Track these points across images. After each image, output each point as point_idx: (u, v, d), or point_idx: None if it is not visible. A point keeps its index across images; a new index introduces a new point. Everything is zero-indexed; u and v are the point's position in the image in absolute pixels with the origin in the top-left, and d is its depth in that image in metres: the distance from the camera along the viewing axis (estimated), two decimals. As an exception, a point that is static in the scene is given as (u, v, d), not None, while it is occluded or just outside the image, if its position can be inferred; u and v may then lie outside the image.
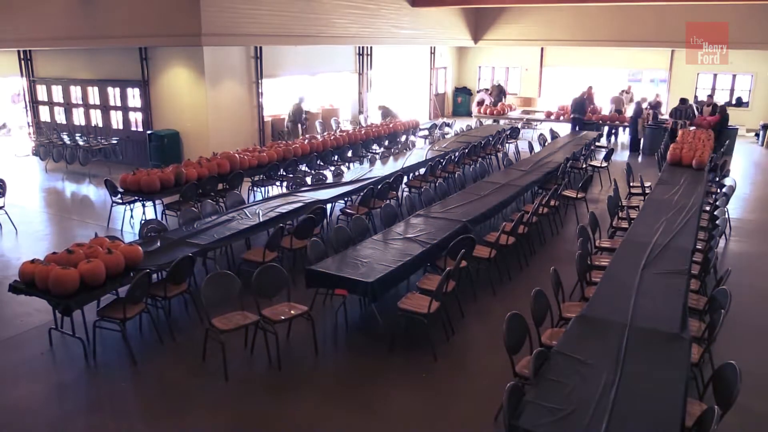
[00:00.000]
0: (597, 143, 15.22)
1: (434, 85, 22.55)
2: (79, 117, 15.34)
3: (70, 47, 13.88)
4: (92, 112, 15.06)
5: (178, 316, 6.46)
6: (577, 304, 5.55)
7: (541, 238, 8.99)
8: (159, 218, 8.57)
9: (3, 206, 9.51)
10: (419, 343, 5.85)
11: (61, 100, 15.53)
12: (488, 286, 7.17)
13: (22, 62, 15.51)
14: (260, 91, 14.08)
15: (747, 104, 19.85)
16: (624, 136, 18.36)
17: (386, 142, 14.49)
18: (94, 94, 14.90)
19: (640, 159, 15.99)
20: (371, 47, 17.84)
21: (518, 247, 7.93)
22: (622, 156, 16.07)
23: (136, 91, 14.00)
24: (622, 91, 19.71)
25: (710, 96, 18.45)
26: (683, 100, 16.28)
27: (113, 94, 14.53)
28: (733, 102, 19.90)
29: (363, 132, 13.93)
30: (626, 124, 17.51)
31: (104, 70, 14.39)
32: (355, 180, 9.94)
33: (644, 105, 17.24)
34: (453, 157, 11.88)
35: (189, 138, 13.33)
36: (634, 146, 16.73)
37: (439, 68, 22.72)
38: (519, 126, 17.72)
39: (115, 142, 14.03)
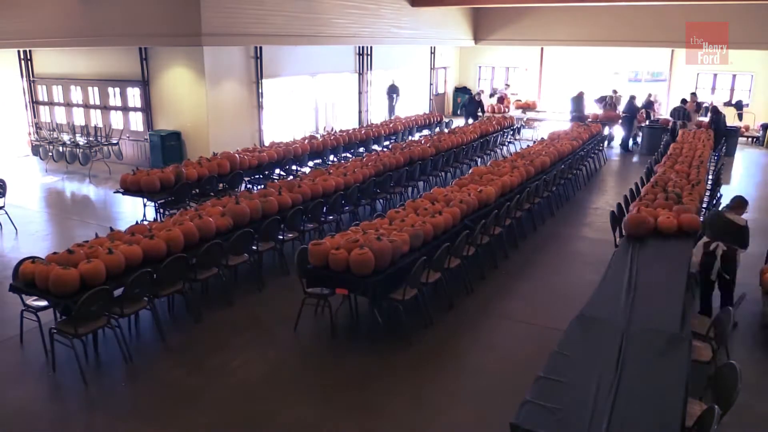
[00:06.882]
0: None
1: (434, 85, 22.53)
2: (79, 117, 15.32)
3: (70, 47, 13.87)
4: (92, 112, 15.05)
5: (179, 316, 6.46)
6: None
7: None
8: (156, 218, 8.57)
9: (3, 206, 9.50)
10: (420, 343, 5.85)
11: (61, 100, 15.52)
12: (491, 287, 7.17)
13: (22, 62, 15.50)
14: (260, 91, 14.07)
15: (747, 105, 19.71)
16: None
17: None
18: (94, 94, 14.88)
19: (634, 159, 15.98)
20: (371, 47, 17.83)
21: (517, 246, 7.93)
22: (611, 155, 16.00)
23: (137, 90, 13.99)
24: (614, 90, 19.49)
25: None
26: (683, 101, 16.25)
27: (113, 93, 14.51)
28: (733, 102, 19.77)
29: (363, 132, 13.93)
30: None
31: (104, 69, 14.38)
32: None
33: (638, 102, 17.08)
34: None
35: (189, 138, 13.32)
36: (626, 144, 16.67)
37: (439, 68, 22.70)
38: (519, 126, 17.68)
39: (115, 142, 14.02)
